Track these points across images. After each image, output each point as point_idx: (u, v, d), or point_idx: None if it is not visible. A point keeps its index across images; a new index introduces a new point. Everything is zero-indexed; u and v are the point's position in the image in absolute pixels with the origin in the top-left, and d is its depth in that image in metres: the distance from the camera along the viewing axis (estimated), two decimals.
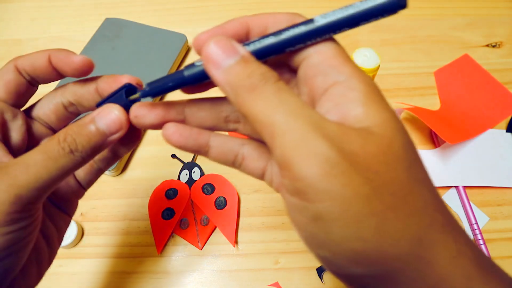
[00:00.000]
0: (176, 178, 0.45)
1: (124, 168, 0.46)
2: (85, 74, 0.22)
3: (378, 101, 0.17)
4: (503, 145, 0.46)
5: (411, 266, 0.17)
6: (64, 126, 0.24)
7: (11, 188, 0.18)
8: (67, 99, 0.23)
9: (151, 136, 0.48)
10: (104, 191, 0.45)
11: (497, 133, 0.46)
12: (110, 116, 0.20)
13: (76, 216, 0.43)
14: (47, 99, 0.24)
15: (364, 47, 0.38)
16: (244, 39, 0.20)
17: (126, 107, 0.21)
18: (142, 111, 0.21)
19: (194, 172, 0.45)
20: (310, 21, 0.19)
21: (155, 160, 0.47)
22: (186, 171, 0.45)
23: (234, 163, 0.22)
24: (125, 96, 0.21)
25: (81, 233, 0.42)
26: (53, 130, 0.24)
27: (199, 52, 0.20)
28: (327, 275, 0.39)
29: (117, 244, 0.42)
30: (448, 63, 0.50)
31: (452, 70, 0.49)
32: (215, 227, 0.41)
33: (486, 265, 0.18)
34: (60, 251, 0.41)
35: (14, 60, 0.22)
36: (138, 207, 0.43)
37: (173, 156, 0.46)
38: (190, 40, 0.56)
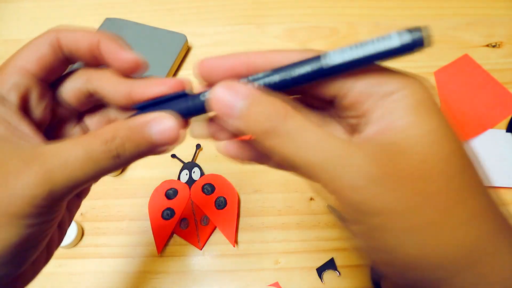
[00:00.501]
0: (176, 178, 0.45)
1: (124, 168, 0.46)
2: (133, 74, 0.20)
3: (425, 111, 0.17)
4: (503, 145, 0.46)
5: (466, 274, 0.17)
6: (85, 108, 0.22)
7: (46, 183, 0.17)
8: (94, 89, 0.21)
9: None
10: (104, 191, 0.45)
11: (497, 133, 0.46)
12: (168, 128, 0.19)
13: (76, 216, 0.43)
14: (70, 81, 0.21)
15: None
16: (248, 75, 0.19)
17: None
18: (236, 152, 0.21)
19: (194, 172, 0.45)
20: (320, 57, 0.18)
21: (155, 160, 0.46)
22: (186, 171, 0.45)
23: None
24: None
25: (81, 233, 0.42)
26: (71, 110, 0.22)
27: (204, 78, 0.19)
28: (327, 275, 0.39)
29: (117, 244, 0.42)
30: (448, 63, 0.50)
31: (452, 70, 0.49)
32: (215, 227, 0.41)
33: None
34: (60, 251, 0.41)
35: (57, 32, 0.20)
36: (138, 207, 0.43)
37: (173, 156, 0.46)
38: (190, 40, 0.56)
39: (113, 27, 0.55)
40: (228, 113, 0.17)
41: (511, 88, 0.47)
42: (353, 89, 0.18)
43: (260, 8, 0.60)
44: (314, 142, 0.17)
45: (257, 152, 0.21)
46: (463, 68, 0.49)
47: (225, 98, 0.17)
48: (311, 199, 0.43)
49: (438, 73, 0.49)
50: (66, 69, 0.21)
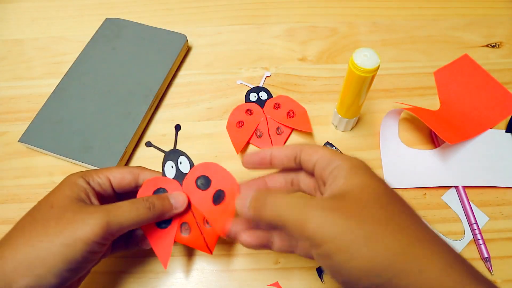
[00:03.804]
0: (161, 175, 0.36)
1: None
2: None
3: (356, 173, 0.27)
4: (502, 145, 0.46)
5: (402, 275, 0.22)
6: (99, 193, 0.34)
7: (106, 217, 0.29)
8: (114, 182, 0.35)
9: (150, 136, 0.48)
10: None
11: (496, 133, 0.46)
12: (180, 198, 0.34)
13: None
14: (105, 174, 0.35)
15: (364, 47, 0.37)
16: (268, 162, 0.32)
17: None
18: (250, 241, 0.30)
19: (181, 163, 0.36)
20: None
21: (156, 160, 0.46)
22: (171, 163, 0.36)
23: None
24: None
25: None
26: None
27: (246, 166, 0.34)
28: (327, 275, 0.39)
29: None
30: (448, 63, 0.50)
31: (452, 70, 0.49)
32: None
33: (477, 275, 0.23)
34: None
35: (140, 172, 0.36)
36: None
37: (148, 144, 0.39)
38: (190, 40, 0.56)
39: (113, 27, 0.55)
40: (244, 211, 0.29)
41: (511, 88, 0.47)
42: (317, 165, 0.29)
43: (260, 8, 0.60)
44: (285, 203, 0.26)
45: (262, 238, 0.30)
46: (463, 68, 0.49)
47: (239, 204, 0.30)
48: None
49: (438, 73, 0.49)
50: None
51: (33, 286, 0.27)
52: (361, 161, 0.28)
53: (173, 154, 0.36)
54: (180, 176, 0.36)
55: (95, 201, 0.33)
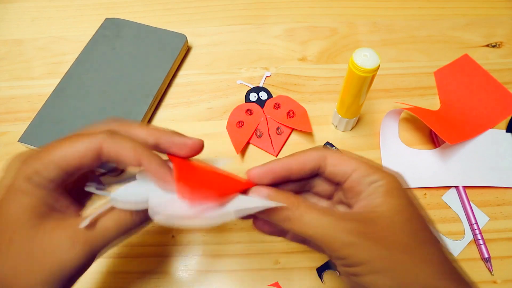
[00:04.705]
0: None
1: (123, 170, 0.46)
2: (196, 155, 0.28)
3: (393, 195, 0.26)
4: (503, 145, 0.46)
5: None
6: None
7: (88, 248, 0.24)
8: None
9: None
10: None
11: (497, 133, 0.46)
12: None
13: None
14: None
15: (364, 47, 0.37)
16: (287, 175, 0.28)
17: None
18: (263, 228, 0.29)
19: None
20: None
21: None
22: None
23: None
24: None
25: None
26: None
27: (255, 181, 0.27)
28: (327, 275, 0.39)
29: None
30: (448, 63, 0.50)
31: (452, 70, 0.49)
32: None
33: None
34: None
35: (102, 140, 0.24)
36: None
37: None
38: (190, 40, 0.56)
39: (113, 27, 0.55)
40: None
41: (511, 88, 0.47)
42: (351, 177, 0.27)
43: (260, 8, 0.60)
44: (316, 220, 0.25)
45: (278, 229, 0.29)
46: (463, 68, 0.49)
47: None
48: None
49: (438, 73, 0.49)
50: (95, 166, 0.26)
51: None
52: (399, 180, 0.27)
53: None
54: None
55: (62, 202, 0.25)
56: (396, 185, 0.26)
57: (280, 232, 0.29)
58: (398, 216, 0.25)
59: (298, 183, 0.29)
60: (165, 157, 0.27)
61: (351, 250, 0.24)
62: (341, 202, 0.30)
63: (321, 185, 0.30)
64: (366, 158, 0.28)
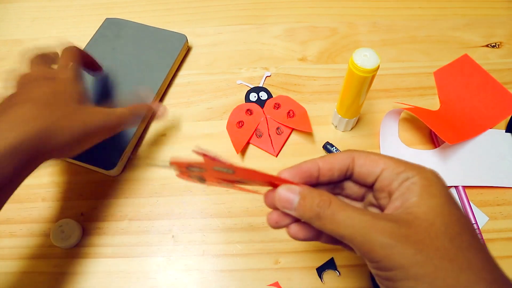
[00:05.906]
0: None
1: (124, 168, 0.46)
2: None
3: (431, 193, 0.24)
4: (502, 145, 0.46)
5: None
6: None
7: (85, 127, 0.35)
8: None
9: (151, 136, 0.48)
10: (104, 191, 0.45)
11: (496, 133, 0.46)
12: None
13: (76, 216, 0.43)
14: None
15: (364, 47, 0.38)
16: (316, 176, 0.27)
17: None
18: (297, 233, 0.27)
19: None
20: None
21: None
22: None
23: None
24: None
25: (81, 233, 0.42)
26: None
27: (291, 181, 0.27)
28: (327, 275, 0.39)
29: (117, 244, 0.42)
30: (447, 63, 0.50)
31: (452, 70, 0.49)
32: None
33: None
34: (60, 251, 0.41)
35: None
36: (138, 207, 0.44)
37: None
38: (190, 40, 0.56)
39: (113, 27, 0.55)
40: (288, 206, 0.26)
41: (511, 88, 0.47)
42: (381, 177, 0.26)
43: (260, 8, 0.60)
44: (349, 219, 0.23)
45: (312, 233, 0.27)
46: (463, 68, 0.49)
47: (285, 196, 0.26)
48: None
49: (438, 73, 0.49)
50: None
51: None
52: (436, 176, 0.25)
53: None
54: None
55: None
56: (432, 182, 0.24)
57: (314, 236, 0.28)
58: (438, 218, 0.23)
59: (328, 186, 0.29)
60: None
61: (387, 252, 0.22)
62: (372, 205, 0.28)
63: (351, 188, 0.29)
64: (394, 157, 0.26)
